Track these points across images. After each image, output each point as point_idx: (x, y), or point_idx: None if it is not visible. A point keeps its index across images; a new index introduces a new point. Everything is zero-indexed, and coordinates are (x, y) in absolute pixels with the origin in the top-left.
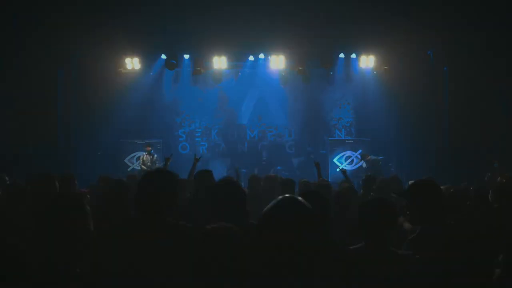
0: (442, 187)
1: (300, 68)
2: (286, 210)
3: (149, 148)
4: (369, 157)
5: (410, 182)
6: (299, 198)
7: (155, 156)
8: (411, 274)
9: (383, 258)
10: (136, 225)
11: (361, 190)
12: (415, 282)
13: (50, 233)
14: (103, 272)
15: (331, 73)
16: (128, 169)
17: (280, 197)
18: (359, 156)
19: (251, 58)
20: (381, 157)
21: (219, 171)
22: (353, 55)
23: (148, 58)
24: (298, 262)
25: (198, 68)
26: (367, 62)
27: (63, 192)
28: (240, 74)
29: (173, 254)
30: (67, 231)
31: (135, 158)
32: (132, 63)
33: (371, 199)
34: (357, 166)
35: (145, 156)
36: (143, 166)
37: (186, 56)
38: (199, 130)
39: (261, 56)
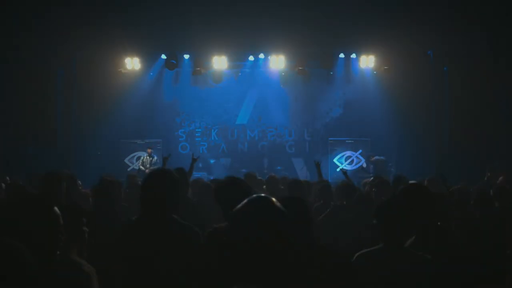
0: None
1: (300, 68)
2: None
3: (150, 151)
4: (373, 158)
5: (410, 182)
6: (271, 198)
7: (155, 157)
8: (430, 275)
9: (402, 259)
10: (143, 224)
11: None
12: (434, 283)
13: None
14: (112, 270)
15: (331, 73)
16: (128, 169)
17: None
18: (360, 156)
19: (251, 58)
20: (381, 157)
21: (219, 171)
22: (353, 55)
23: (148, 58)
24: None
25: (198, 68)
26: (367, 62)
27: (27, 195)
28: (240, 74)
29: (181, 252)
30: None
31: (135, 158)
32: (132, 63)
33: (389, 200)
34: (357, 166)
35: (145, 157)
36: (141, 167)
37: (186, 56)
38: (199, 130)
39: (261, 56)
